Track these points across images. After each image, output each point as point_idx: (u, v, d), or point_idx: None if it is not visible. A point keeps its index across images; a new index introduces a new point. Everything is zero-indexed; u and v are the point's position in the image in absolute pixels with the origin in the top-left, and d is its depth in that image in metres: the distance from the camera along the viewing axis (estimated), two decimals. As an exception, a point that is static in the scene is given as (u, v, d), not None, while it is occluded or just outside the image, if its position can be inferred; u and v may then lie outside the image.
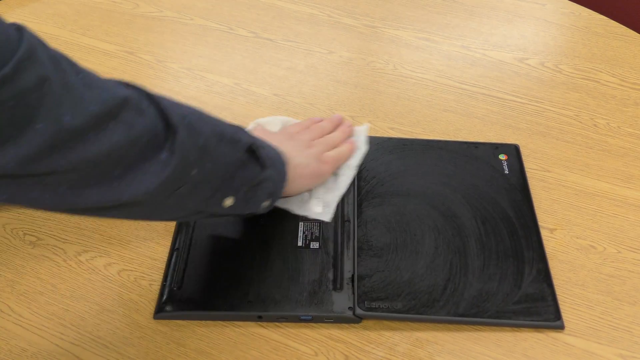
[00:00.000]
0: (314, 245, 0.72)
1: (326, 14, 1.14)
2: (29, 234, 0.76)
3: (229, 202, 0.63)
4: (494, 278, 0.69)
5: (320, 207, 0.75)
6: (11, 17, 1.10)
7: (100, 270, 0.73)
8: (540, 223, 0.78)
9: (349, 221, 0.74)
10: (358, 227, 0.74)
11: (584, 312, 0.69)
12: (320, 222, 0.74)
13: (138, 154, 0.52)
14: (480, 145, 0.85)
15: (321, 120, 0.84)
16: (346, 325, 0.67)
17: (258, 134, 0.72)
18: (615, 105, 0.94)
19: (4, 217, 0.78)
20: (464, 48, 1.05)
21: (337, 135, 0.82)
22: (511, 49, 1.05)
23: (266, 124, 0.84)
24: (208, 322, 0.68)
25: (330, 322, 0.67)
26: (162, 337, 0.67)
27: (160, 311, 0.67)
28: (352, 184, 0.79)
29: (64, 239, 0.75)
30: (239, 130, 0.64)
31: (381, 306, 0.66)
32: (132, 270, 0.73)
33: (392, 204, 0.76)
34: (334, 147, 0.80)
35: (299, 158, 0.73)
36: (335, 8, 1.15)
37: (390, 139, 0.86)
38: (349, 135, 0.83)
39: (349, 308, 0.66)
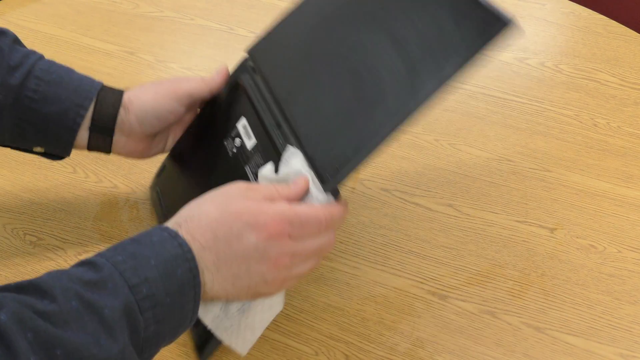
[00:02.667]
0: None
1: (326, 14, 1.14)
2: (29, 234, 0.76)
3: None
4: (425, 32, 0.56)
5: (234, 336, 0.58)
6: (11, 17, 1.10)
7: (100, 270, 0.73)
8: (540, 223, 0.78)
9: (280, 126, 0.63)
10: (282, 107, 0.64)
11: (584, 312, 0.69)
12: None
13: None
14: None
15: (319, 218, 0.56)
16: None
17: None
18: (615, 105, 0.94)
19: (4, 217, 0.78)
20: (464, 48, 1.05)
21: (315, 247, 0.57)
22: (511, 48, 1.05)
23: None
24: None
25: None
26: (162, 337, 0.67)
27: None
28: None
29: (64, 239, 0.75)
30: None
31: (342, 160, 0.57)
32: (132, 270, 0.73)
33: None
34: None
35: (238, 281, 0.53)
36: (335, 8, 1.15)
37: None
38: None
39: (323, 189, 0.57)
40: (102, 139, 0.68)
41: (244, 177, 0.63)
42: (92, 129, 0.67)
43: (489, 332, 0.67)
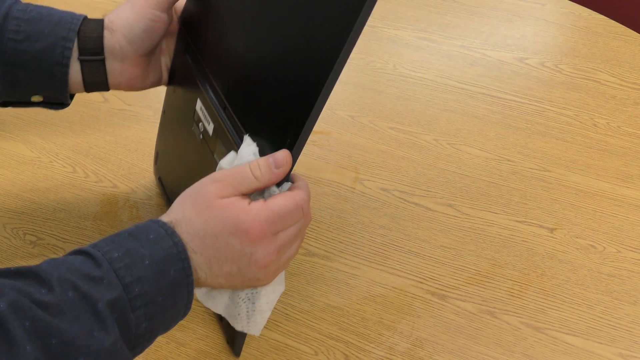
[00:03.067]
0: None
1: (326, 13, 1.14)
2: (29, 234, 0.76)
3: None
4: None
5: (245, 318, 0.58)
6: (11, 17, 1.10)
7: (100, 270, 0.73)
8: (540, 223, 0.78)
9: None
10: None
11: (584, 312, 0.69)
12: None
13: None
14: None
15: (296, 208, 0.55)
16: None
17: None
18: (615, 105, 0.94)
19: (4, 217, 0.78)
20: (463, 48, 1.05)
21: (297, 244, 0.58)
22: (511, 48, 1.05)
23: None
24: (208, 322, 0.68)
25: None
26: (162, 337, 0.67)
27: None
28: None
29: (64, 238, 0.75)
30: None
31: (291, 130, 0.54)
32: (132, 270, 0.73)
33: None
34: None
35: (232, 276, 0.54)
36: (335, 8, 1.15)
37: None
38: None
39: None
40: (95, 70, 0.66)
41: (215, 166, 0.59)
42: (82, 59, 0.65)
43: (488, 332, 0.67)
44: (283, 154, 0.53)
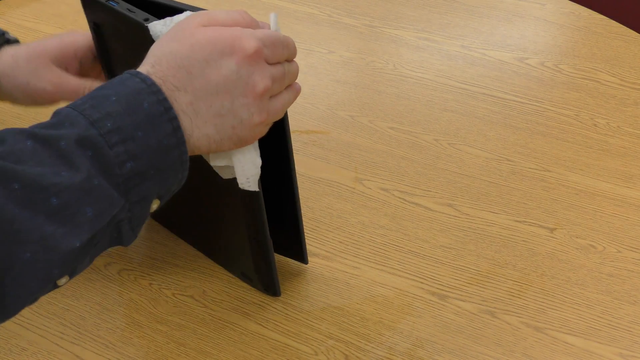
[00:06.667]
0: None
1: (326, 13, 1.14)
2: (29, 234, 0.76)
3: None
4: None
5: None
6: (11, 17, 1.10)
7: (100, 270, 0.73)
8: (540, 223, 0.78)
9: None
10: None
11: (584, 312, 0.69)
12: None
13: None
14: None
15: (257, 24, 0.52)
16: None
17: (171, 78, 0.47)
18: (615, 105, 0.94)
19: (4, 216, 0.78)
20: (464, 48, 1.05)
21: (292, 70, 0.54)
22: (511, 48, 1.05)
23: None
24: (208, 321, 0.68)
25: None
26: (162, 337, 0.67)
27: None
28: None
29: (64, 238, 0.75)
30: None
31: None
32: (132, 270, 0.73)
33: None
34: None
35: (227, 130, 0.50)
36: (335, 8, 1.15)
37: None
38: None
39: None
40: None
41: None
42: None
43: (488, 332, 0.67)
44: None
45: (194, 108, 0.47)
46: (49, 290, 0.44)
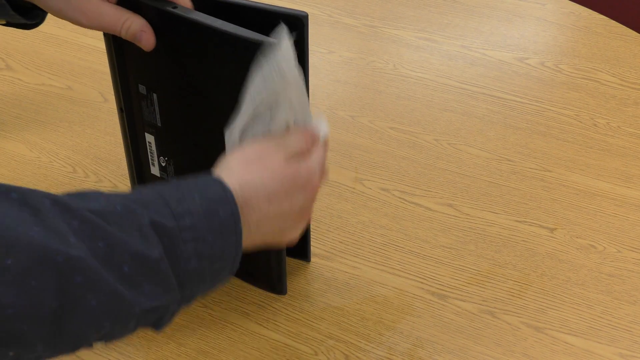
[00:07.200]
0: None
1: (326, 13, 1.14)
2: (29, 234, 0.76)
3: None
4: None
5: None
6: (11, 17, 1.10)
7: (100, 270, 0.73)
8: (540, 223, 0.78)
9: None
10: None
11: (584, 312, 0.69)
12: None
13: None
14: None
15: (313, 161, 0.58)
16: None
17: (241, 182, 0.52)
18: (615, 105, 0.94)
19: (4, 216, 0.78)
20: (464, 48, 1.05)
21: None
22: (511, 48, 1.05)
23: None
24: (208, 321, 0.68)
25: None
26: (162, 337, 0.67)
27: None
28: None
29: (64, 238, 0.75)
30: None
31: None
32: (132, 270, 0.73)
33: None
34: None
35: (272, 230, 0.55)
36: (335, 8, 1.15)
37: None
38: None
39: None
40: None
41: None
42: None
43: (488, 332, 0.67)
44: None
45: (258, 225, 0.53)
46: (87, 344, 0.46)
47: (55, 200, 0.43)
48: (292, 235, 0.57)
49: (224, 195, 0.50)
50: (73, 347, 0.45)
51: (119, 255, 0.44)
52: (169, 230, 0.46)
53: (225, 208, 0.49)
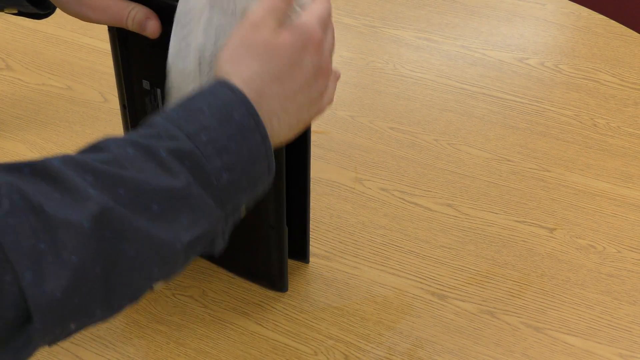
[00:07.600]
0: None
1: (326, 13, 1.14)
2: (29, 234, 0.76)
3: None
4: None
5: None
6: (11, 17, 1.10)
7: (100, 270, 0.73)
8: (540, 223, 0.78)
9: None
10: None
11: (584, 312, 0.69)
12: None
13: None
14: None
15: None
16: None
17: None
18: (615, 105, 0.94)
19: (4, 216, 0.78)
20: (464, 48, 1.05)
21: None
22: (511, 48, 1.05)
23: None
24: (208, 321, 0.68)
25: None
26: (162, 337, 0.67)
27: None
28: None
29: (64, 238, 0.75)
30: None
31: None
32: (132, 270, 0.73)
33: None
34: None
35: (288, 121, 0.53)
36: (335, 8, 1.15)
37: None
38: None
39: None
40: None
41: None
42: None
43: (488, 332, 0.67)
44: None
45: (281, 111, 0.51)
46: (146, 291, 0.46)
47: (64, 161, 0.42)
48: (322, 103, 0.55)
49: (234, 97, 0.48)
50: (130, 300, 0.44)
51: (143, 197, 0.43)
52: (188, 153, 0.45)
53: (239, 110, 0.47)
